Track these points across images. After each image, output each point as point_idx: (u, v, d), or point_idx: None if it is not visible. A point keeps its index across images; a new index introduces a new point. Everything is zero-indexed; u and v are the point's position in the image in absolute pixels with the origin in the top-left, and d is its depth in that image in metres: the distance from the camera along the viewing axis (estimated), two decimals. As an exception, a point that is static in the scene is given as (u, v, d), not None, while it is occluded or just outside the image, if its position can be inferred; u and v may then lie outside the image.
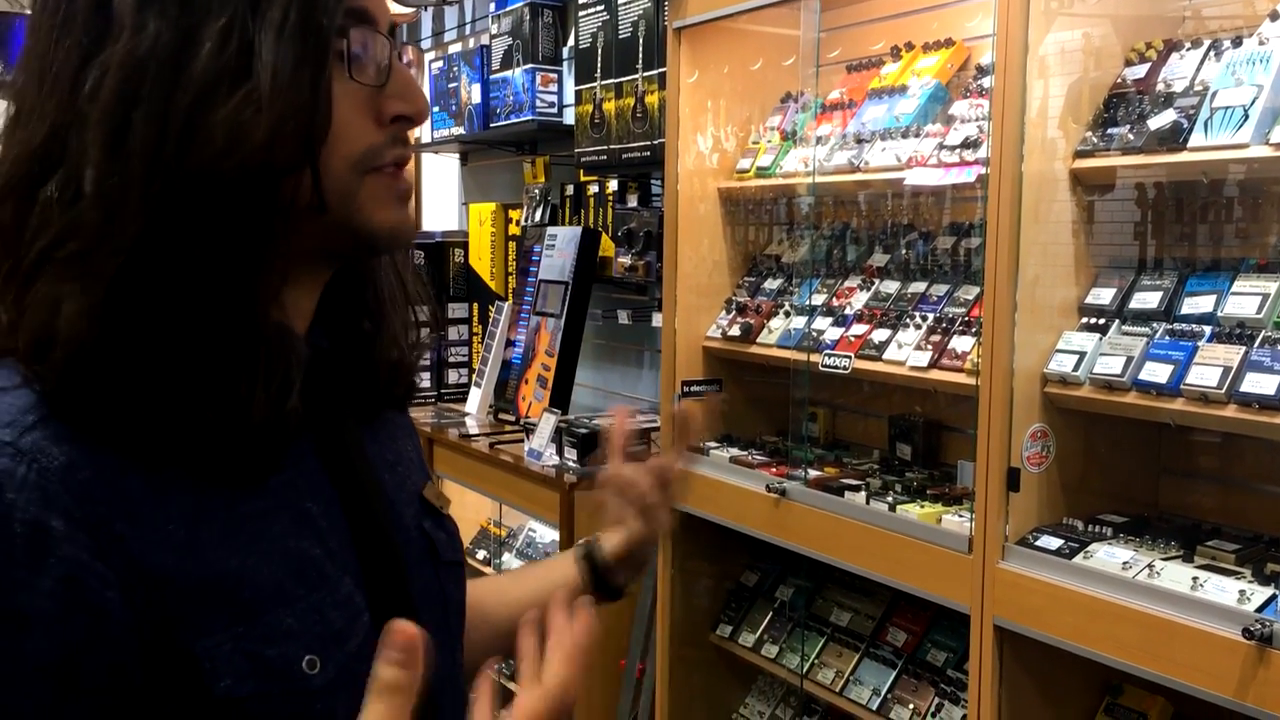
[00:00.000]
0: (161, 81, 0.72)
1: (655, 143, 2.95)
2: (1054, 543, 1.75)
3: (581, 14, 3.24)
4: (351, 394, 0.89)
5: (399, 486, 0.93)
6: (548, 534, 3.38)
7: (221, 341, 0.74)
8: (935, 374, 2.01)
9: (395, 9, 4.33)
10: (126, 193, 0.71)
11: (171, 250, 0.72)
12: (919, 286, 2.21)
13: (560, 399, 3.34)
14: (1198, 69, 1.76)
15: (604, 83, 3.16)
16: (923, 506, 2.02)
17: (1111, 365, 1.71)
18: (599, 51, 3.18)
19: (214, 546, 0.75)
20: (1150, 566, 1.62)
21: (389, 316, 0.91)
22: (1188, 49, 1.80)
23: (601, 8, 3.16)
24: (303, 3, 0.74)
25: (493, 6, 3.96)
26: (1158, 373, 1.65)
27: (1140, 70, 1.82)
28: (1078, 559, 1.70)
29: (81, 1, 0.75)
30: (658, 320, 3.05)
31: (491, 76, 3.90)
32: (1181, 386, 1.61)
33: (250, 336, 0.75)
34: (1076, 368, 1.75)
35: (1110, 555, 1.68)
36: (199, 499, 0.75)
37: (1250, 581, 1.55)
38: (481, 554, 3.64)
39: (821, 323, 2.32)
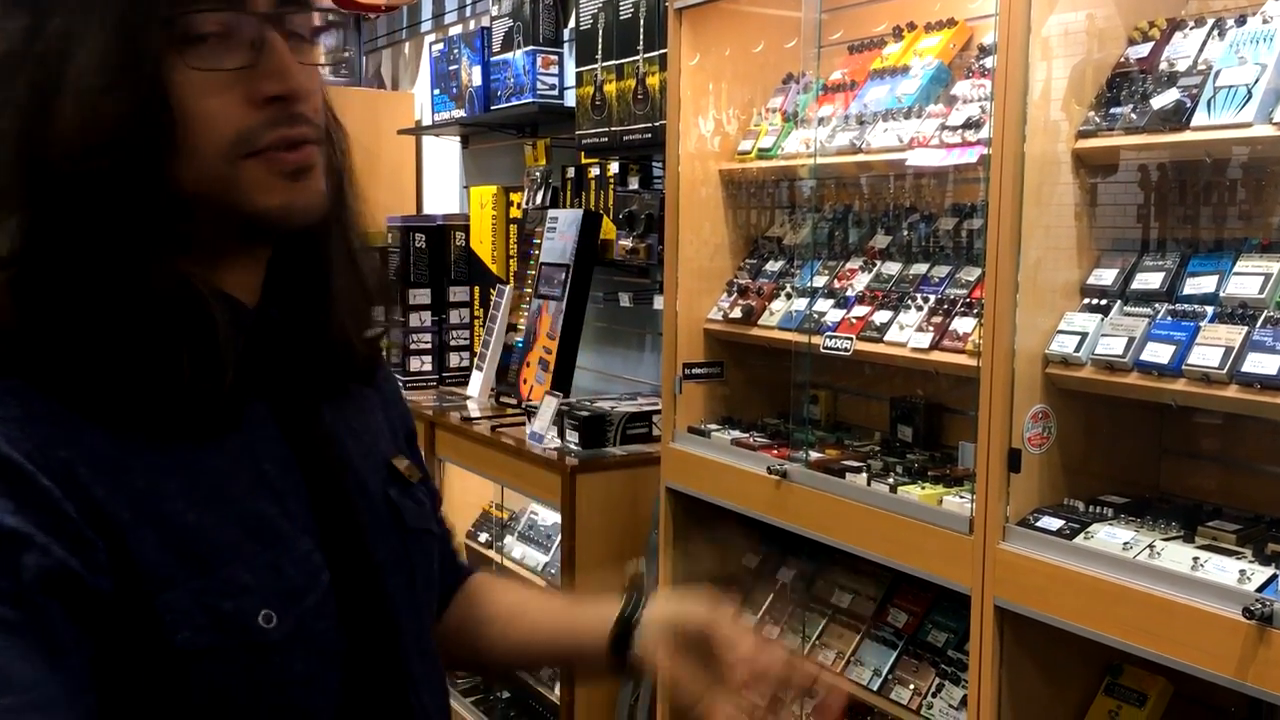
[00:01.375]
0: (5, 86, 0.76)
1: (656, 125, 2.94)
2: (1055, 523, 1.75)
3: (582, -5, 3.23)
4: (309, 363, 0.91)
5: (364, 455, 0.95)
6: (550, 516, 3.39)
7: (140, 312, 0.77)
8: (936, 355, 2.01)
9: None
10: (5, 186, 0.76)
11: (65, 235, 0.76)
12: (920, 268, 2.20)
13: (562, 382, 3.34)
14: (1201, 48, 1.75)
15: (605, 64, 3.15)
16: (924, 488, 2.03)
17: (1113, 346, 1.71)
18: (599, 33, 3.17)
19: (172, 500, 0.78)
20: (1151, 547, 1.63)
21: (337, 288, 0.92)
22: (1191, 28, 1.79)
23: (602, -12, 3.14)
24: (127, 2, 0.75)
25: (493, -12, 3.94)
26: (1159, 353, 1.65)
27: (1143, 49, 1.81)
28: (1078, 539, 1.70)
29: None
30: (659, 303, 3.04)
31: (492, 59, 3.89)
32: (1183, 367, 1.61)
33: (168, 306, 0.78)
34: (1078, 349, 1.75)
35: (1111, 536, 1.68)
36: (157, 456, 0.78)
37: (1251, 561, 1.55)
38: (484, 537, 3.65)
39: (823, 304, 2.32)
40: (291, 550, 0.83)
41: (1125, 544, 1.65)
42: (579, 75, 3.29)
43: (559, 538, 3.12)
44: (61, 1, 0.76)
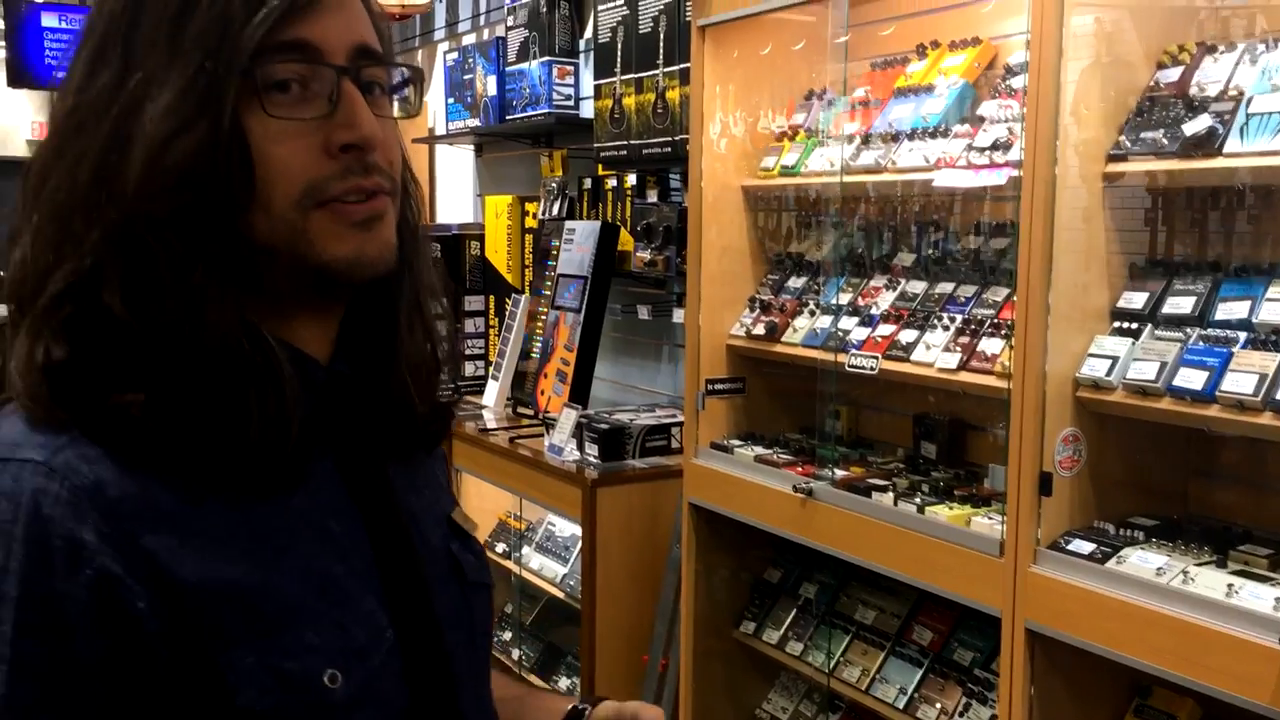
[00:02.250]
0: (88, 135, 0.77)
1: (676, 139, 2.95)
2: (1086, 547, 1.76)
3: (601, 8, 3.23)
4: (376, 421, 0.90)
5: (425, 509, 0.94)
6: (568, 528, 3.39)
7: (207, 363, 0.77)
8: (965, 376, 2.02)
9: (409, 0, 4.32)
10: (63, 238, 0.77)
11: (133, 282, 0.76)
12: (946, 287, 2.21)
13: (579, 393, 3.35)
14: (1231, 73, 1.75)
15: (624, 78, 3.16)
16: (951, 508, 2.03)
17: (1145, 371, 1.72)
18: (619, 46, 3.17)
19: (239, 561, 0.78)
20: (1185, 573, 1.63)
21: (404, 347, 0.92)
22: (1221, 52, 1.80)
23: (621, 2, 3.15)
24: (205, 49, 0.76)
25: (509, -2, 3.95)
26: (1192, 379, 1.65)
27: (1173, 74, 1.82)
28: (1110, 564, 1.71)
29: (62, 83, 0.82)
30: (678, 316, 3.05)
31: (507, 68, 3.89)
32: (1217, 393, 1.62)
33: (235, 358, 0.78)
34: (1109, 372, 1.76)
35: (1143, 561, 1.69)
36: (224, 515, 0.78)
37: (1285, 588, 1.56)
38: (501, 547, 3.66)
39: (847, 322, 2.33)
40: (357, 609, 0.83)
41: (1159, 570, 1.65)
42: (597, 88, 3.29)
43: (577, 549, 3.13)
44: (147, 54, 0.77)
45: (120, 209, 0.76)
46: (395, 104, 0.88)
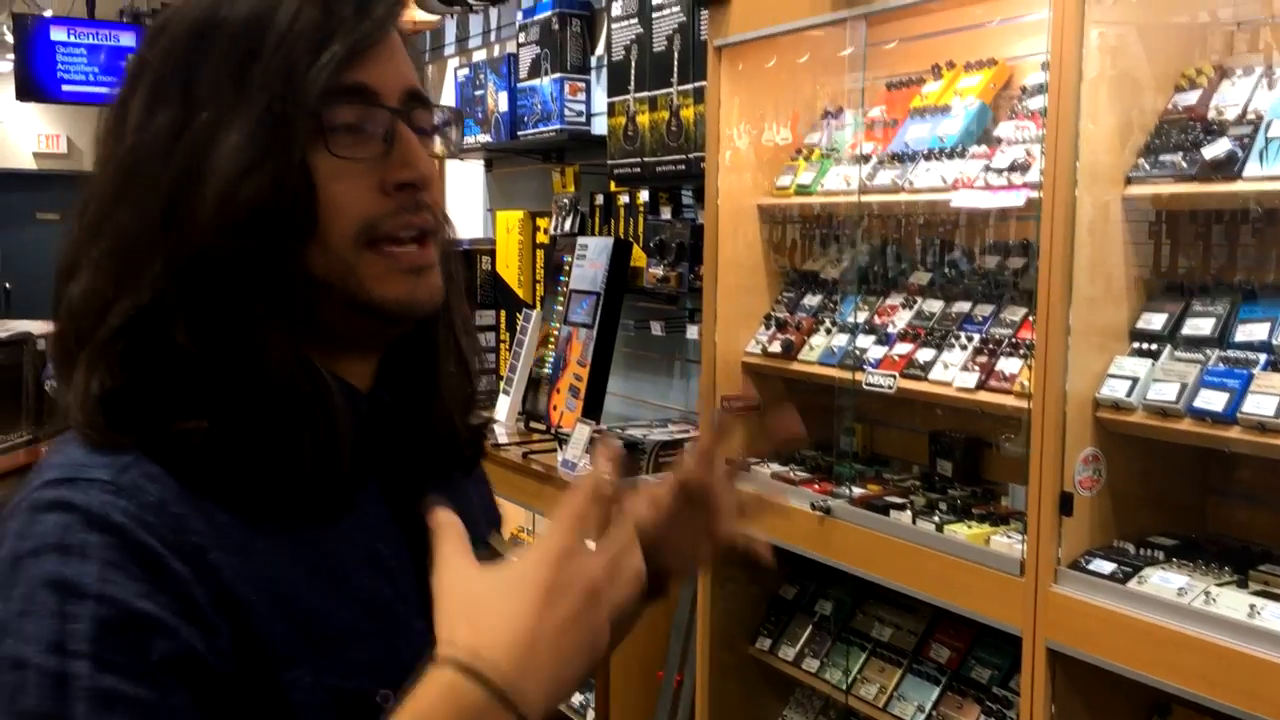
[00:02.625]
0: (150, 172, 0.79)
1: (690, 156, 2.96)
2: (1107, 567, 1.77)
3: (615, 26, 3.25)
4: (417, 447, 0.93)
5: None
6: (580, 543, 3.40)
7: (265, 395, 0.79)
8: (984, 395, 2.03)
9: (421, 16, 4.34)
10: (124, 273, 0.79)
11: (196, 316, 0.78)
12: (963, 306, 2.22)
13: (593, 408, 3.36)
14: (1249, 96, 1.77)
15: (637, 95, 3.18)
16: (970, 527, 2.04)
17: (1165, 392, 1.73)
18: (632, 64, 3.19)
19: (294, 583, 0.80)
20: (1206, 593, 1.64)
21: (444, 375, 0.95)
22: (1239, 76, 1.81)
23: (635, 21, 3.17)
24: (272, 91, 0.79)
25: (520, 15, 3.97)
26: (1213, 400, 1.67)
27: (1191, 97, 1.83)
28: (1131, 584, 1.72)
29: (114, 113, 0.84)
30: (691, 331, 3.06)
31: (519, 85, 3.91)
32: (1238, 415, 1.63)
33: (297, 395, 0.80)
34: (1130, 393, 1.77)
35: (1165, 581, 1.70)
36: (279, 539, 0.80)
37: (1307, 609, 1.57)
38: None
39: (864, 341, 2.34)
40: (406, 631, 0.85)
41: (1180, 590, 1.66)
42: (610, 105, 3.31)
43: (591, 565, 3.13)
44: (212, 96, 0.79)
45: (189, 244, 0.78)
46: (437, 143, 0.91)
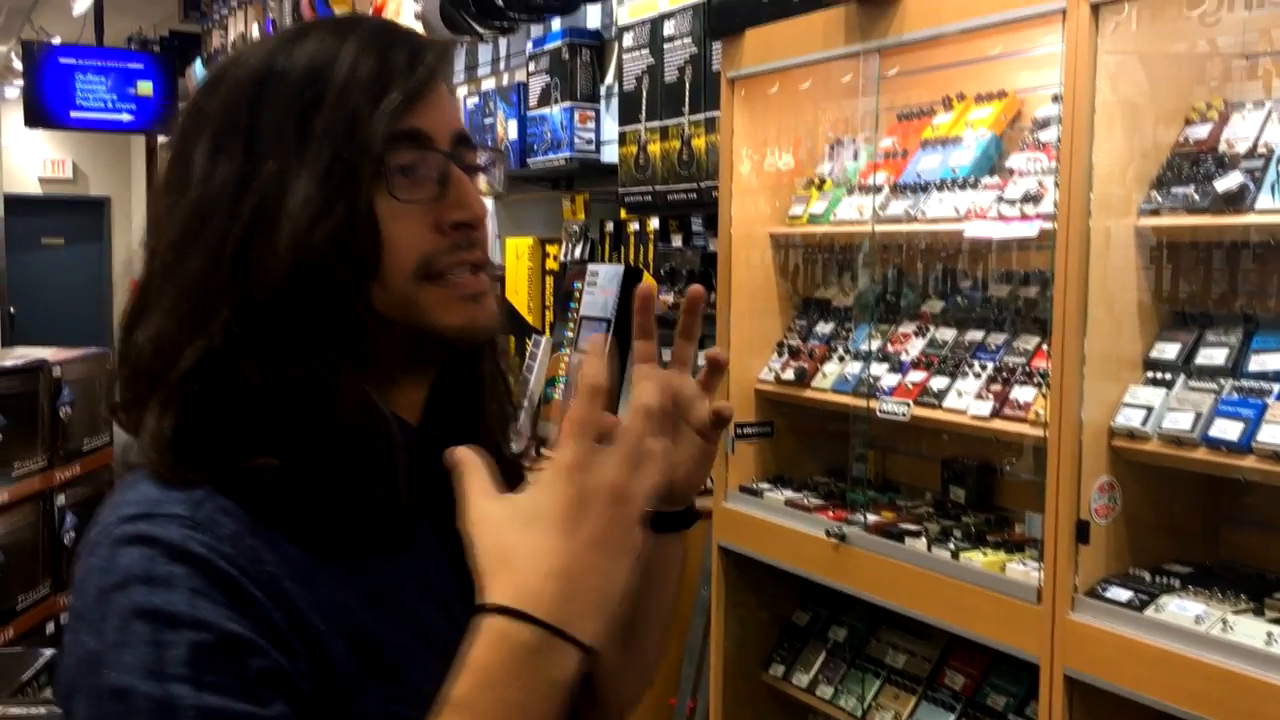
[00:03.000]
0: (220, 221, 0.82)
1: (701, 184, 2.99)
2: (1124, 594, 1.78)
3: (626, 57, 3.29)
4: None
5: None
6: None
7: (330, 432, 0.82)
8: (998, 424, 2.05)
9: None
10: (195, 318, 0.82)
11: (264, 356, 0.81)
12: (976, 334, 2.25)
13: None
14: (1260, 130, 1.80)
15: (649, 125, 3.21)
16: (985, 554, 2.06)
17: (1180, 421, 1.75)
18: (644, 94, 3.23)
19: (360, 612, 0.83)
20: (1224, 621, 1.66)
21: (490, 406, 0.98)
22: (1249, 110, 1.84)
23: (647, 51, 3.21)
24: (337, 140, 0.82)
25: (530, 45, 4.01)
26: (1228, 430, 1.69)
27: (1202, 130, 1.86)
28: (1149, 611, 1.74)
29: (178, 166, 0.86)
30: (702, 359, 3.08)
31: (529, 113, 3.96)
32: (1253, 444, 1.65)
33: (363, 434, 0.83)
34: (1145, 422, 1.79)
35: (1182, 608, 1.71)
36: (342, 570, 0.83)
37: (1324, 637, 1.58)
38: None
39: (877, 369, 2.36)
40: None
41: (1197, 617, 1.68)
42: (622, 135, 3.35)
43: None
44: (276, 145, 0.83)
45: (261, 289, 0.81)
46: (482, 182, 0.95)
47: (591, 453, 0.73)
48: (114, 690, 0.72)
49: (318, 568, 0.81)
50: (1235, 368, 1.77)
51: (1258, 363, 1.75)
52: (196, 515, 0.78)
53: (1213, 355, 1.80)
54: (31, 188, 11.73)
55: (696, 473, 1.00)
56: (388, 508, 0.84)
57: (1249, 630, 1.63)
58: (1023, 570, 1.95)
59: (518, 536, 0.73)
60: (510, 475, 1.01)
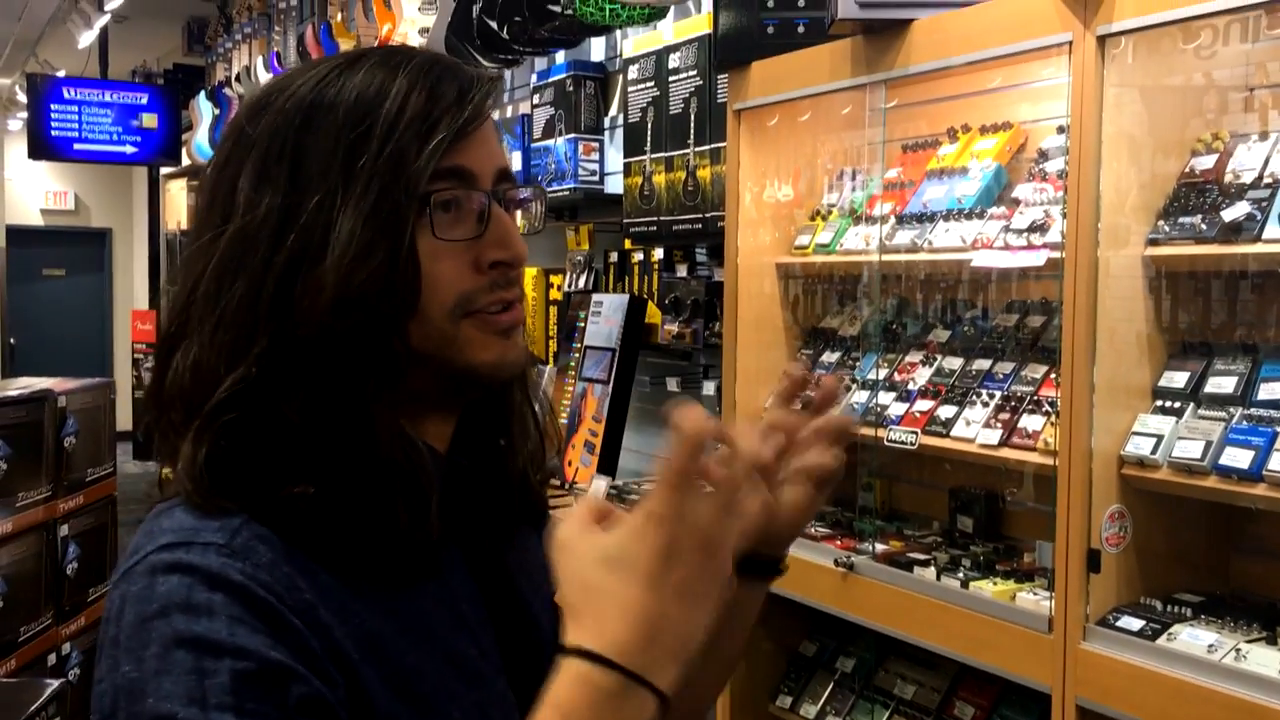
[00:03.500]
0: (263, 251, 0.82)
1: (707, 215, 3.01)
2: (1135, 624, 1.78)
3: (631, 89, 3.32)
4: (492, 508, 0.96)
5: (535, 592, 0.98)
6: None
7: (366, 464, 0.83)
8: (1007, 452, 2.05)
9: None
10: (234, 347, 0.82)
11: (302, 389, 0.81)
12: (983, 363, 2.25)
13: (608, 463, 3.37)
14: (1266, 160, 1.81)
15: (654, 156, 3.23)
16: (995, 584, 2.05)
17: (1190, 449, 1.75)
18: (649, 126, 3.25)
19: (392, 641, 0.83)
20: (1236, 650, 1.65)
21: (517, 436, 0.98)
22: (1254, 140, 1.86)
23: (651, 84, 3.23)
24: (383, 178, 0.82)
25: (534, 77, 4.04)
26: (1238, 458, 1.69)
27: (1208, 161, 1.88)
28: (1161, 640, 1.73)
29: (220, 191, 0.86)
30: (708, 388, 3.09)
31: (533, 145, 3.98)
32: (1264, 472, 1.65)
33: (398, 466, 0.84)
34: (1155, 450, 1.79)
35: (1194, 638, 1.71)
36: (374, 599, 0.83)
37: (1338, 665, 1.58)
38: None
39: (884, 398, 2.37)
40: (491, 690, 0.88)
41: (1210, 647, 1.68)
42: (627, 165, 3.37)
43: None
44: (321, 178, 0.83)
45: (303, 322, 0.81)
46: (520, 218, 0.95)
47: (685, 503, 0.73)
48: (156, 718, 0.72)
49: (350, 597, 0.81)
50: (1244, 396, 1.78)
51: (1268, 391, 1.75)
52: (233, 543, 0.78)
53: (1222, 383, 1.81)
54: (33, 219, 11.76)
55: (798, 520, 1.00)
56: (420, 537, 0.84)
57: (1262, 659, 1.62)
58: (1033, 599, 1.95)
59: (603, 578, 0.73)
60: (535, 507, 1.01)
